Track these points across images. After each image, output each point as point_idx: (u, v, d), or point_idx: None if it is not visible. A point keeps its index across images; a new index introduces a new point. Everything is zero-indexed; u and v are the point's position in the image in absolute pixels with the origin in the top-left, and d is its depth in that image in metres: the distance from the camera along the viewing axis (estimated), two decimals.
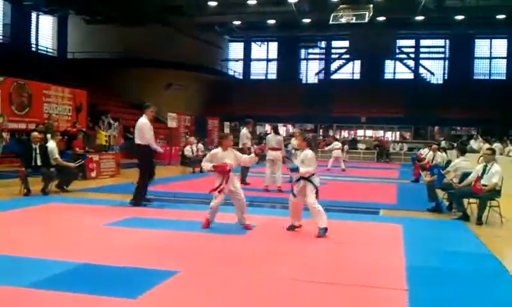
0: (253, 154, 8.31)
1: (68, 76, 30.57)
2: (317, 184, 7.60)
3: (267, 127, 36.94)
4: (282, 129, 38.48)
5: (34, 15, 34.87)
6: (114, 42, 35.92)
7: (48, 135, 13.66)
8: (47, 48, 36.39)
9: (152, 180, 10.78)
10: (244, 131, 14.30)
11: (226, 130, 30.24)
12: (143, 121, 10.05)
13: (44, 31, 36.59)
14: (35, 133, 12.15)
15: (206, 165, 7.94)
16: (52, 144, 12.04)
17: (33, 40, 35.21)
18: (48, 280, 5.06)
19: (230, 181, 7.79)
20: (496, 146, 18.29)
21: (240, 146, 14.22)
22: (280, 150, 13.58)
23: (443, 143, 21.54)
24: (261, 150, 8.44)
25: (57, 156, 11.90)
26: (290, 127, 40.05)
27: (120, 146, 19.51)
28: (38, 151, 11.48)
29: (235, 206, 8.01)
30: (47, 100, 21.55)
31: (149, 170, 10.46)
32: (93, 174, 15.14)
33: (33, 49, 34.95)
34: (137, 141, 10.05)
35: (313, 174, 7.57)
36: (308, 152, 7.65)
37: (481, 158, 10.94)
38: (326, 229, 7.40)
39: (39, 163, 11.43)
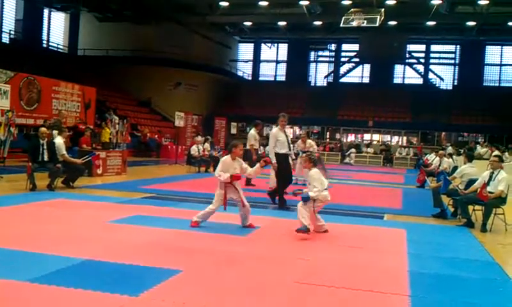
0: (258, 165, 8.26)
1: (77, 73, 30.76)
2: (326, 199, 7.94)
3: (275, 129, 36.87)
4: (289, 131, 38.52)
5: (46, 11, 35.08)
6: (125, 40, 36.09)
7: (55, 131, 13.71)
8: (57, 44, 36.57)
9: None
10: (253, 132, 14.30)
11: (233, 131, 30.35)
12: (272, 131, 11.02)
13: (56, 28, 36.79)
14: (43, 129, 12.20)
15: (223, 175, 7.80)
16: (59, 140, 12.10)
17: (44, 36, 35.41)
18: (52, 275, 5.08)
19: (237, 190, 7.88)
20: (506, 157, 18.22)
21: (247, 147, 14.23)
22: None
23: (449, 149, 21.44)
24: (265, 163, 8.42)
25: (64, 152, 11.97)
26: (297, 129, 40.01)
27: (127, 144, 19.55)
28: (45, 147, 11.54)
29: (239, 212, 8.05)
30: (56, 96, 21.71)
31: (283, 177, 10.76)
32: (99, 171, 15.19)
33: (44, 45, 35.15)
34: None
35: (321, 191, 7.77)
36: (311, 172, 7.87)
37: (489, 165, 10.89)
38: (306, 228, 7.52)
39: (46, 159, 11.49)
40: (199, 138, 21.07)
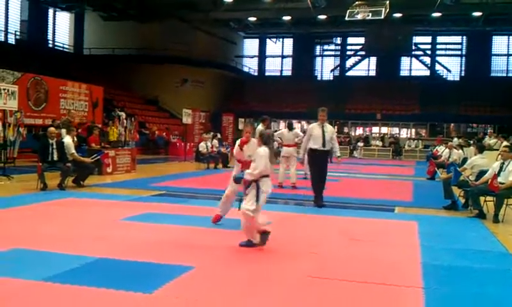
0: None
1: (84, 72, 30.83)
2: (267, 189, 6.44)
3: (282, 124, 36.93)
4: (297, 125, 38.48)
5: (51, 11, 35.17)
6: (130, 38, 36.12)
7: (63, 131, 13.76)
8: (63, 44, 36.67)
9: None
10: (260, 127, 14.28)
11: (241, 127, 30.28)
12: (310, 125, 10.83)
13: (61, 27, 36.88)
14: (52, 129, 12.25)
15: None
16: (68, 140, 12.15)
17: (50, 36, 35.51)
18: (66, 274, 5.10)
19: None
20: None
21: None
22: (295, 146, 13.57)
23: (455, 140, 21.32)
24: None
25: (73, 151, 12.01)
26: (304, 124, 39.94)
27: (136, 142, 19.60)
28: (54, 147, 11.59)
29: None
30: (64, 95, 21.79)
31: (316, 174, 10.53)
32: (109, 169, 15.24)
33: (50, 45, 35.26)
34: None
35: (265, 176, 6.46)
36: (259, 149, 6.55)
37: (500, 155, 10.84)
38: (250, 242, 6.47)
39: (55, 158, 11.54)
40: (205, 135, 20.98)
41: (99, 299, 4.50)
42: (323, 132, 10.28)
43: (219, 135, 25.16)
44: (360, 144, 34.94)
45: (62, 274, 5.08)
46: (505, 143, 14.53)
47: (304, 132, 15.92)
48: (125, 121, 17.57)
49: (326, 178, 10.53)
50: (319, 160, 10.35)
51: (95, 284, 4.78)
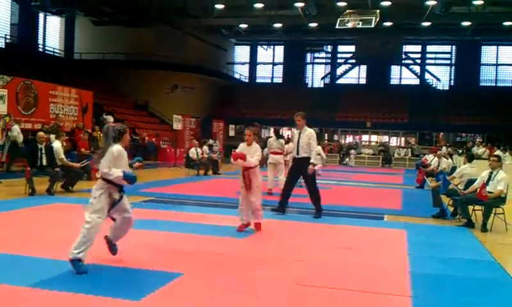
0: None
1: (74, 77, 30.72)
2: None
3: (272, 131, 37.02)
4: (287, 133, 38.51)
5: (41, 15, 34.99)
6: (120, 43, 36.04)
7: (52, 136, 13.70)
8: (53, 48, 36.52)
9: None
10: None
11: (232, 133, 30.36)
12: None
13: (51, 32, 36.73)
14: (41, 134, 12.19)
15: None
16: (57, 145, 12.09)
17: (40, 41, 35.35)
18: (53, 280, 5.07)
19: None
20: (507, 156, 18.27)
21: None
22: (282, 154, 13.58)
23: (443, 149, 21.45)
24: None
25: (62, 156, 11.95)
26: (295, 131, 40.03)
27: (125, 148, 19.51)
28: (43, 151, 11.53)
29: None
30: (53, 100, 21.67)
31: (287, 181, 10.28)
32: (98, 174, 15.11)
33: (40, 49, 35.09)
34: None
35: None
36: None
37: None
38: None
39: (44, 163, 11.48)
40: (195, 141, 20.93)
41: (86, 306, 4.47)
42: (299, 138, 9.89)
43: (210, 141, 25.12)
44: (353, 151, 35.05)
45: (49, 280, 5.05)
46: (497, 152, 14.62)
47: (288, 140, 15.86)
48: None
49: (311, 187, 9.89)
50: (294, 168, 10.03)
51: (82, 290, 4.75)
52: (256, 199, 7.92)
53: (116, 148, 5.57)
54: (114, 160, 5.59)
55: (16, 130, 16.80)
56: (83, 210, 5.71)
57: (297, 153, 9.82)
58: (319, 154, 22.85)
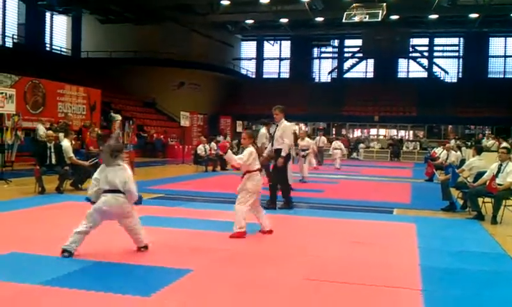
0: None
1: (81, 75, 30.83)
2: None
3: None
4: (295, 128, 38.43)
5: (48, 14, 35.13)
6: (127, 41, 36.11)
7: (61, 134, 13.75)
8: (61, 47, 36.66)
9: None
10: (264, 131, 14.23)
11: (239, 129, 30.34)
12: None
13: (58, 31, 36.86)
14: (49, 132, 12.24)
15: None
16: (66, 143, 12.13)
17: (47, 40, 35.48)
18: (63, 278, 5.09)
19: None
20: None
21: (259, 145, 14.30)
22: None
23: (452, 142, 21.33)
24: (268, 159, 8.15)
25: (71, 155, 11.99)
26: (302, 126, 39.97)
27: (134, 145, 19.60)
28: (52, 150, 11.58)
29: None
30: (61, 99, 21.77)
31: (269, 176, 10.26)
32: None
33: (47, 49, 35.22)
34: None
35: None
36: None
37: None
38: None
39: (54, 162, 11.52)
40: (203, 138, 20.97)
41: (97, 303, 4.49)
42: (275, 130, 10.11)
43: (219, 138, 25.14)
44: (362, 145, 34.98)
45: (60, 278, 5.07)
46: (504, 144, 14.50)
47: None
48: (117, 122, 17.61)
49: (282, 181, 9.97)
50: (273, 162, 10.13)
51: (93, 288, 4.77)
52: (237, 204, 7.35)
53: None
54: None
55: (41, 130, 16.90)
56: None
57: (272, 145, 10.06)
58: (340, 148, 23.18)
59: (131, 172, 6.14)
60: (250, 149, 7.40)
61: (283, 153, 9.75)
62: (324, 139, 24.09)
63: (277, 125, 10.06)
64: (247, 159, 7.28)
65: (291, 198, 10.25)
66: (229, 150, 7.76)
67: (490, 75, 41.75)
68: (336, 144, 24.12)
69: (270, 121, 14.10)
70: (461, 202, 10.47)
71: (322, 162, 22.72)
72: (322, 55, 46.95)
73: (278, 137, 9.87)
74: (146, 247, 6.21)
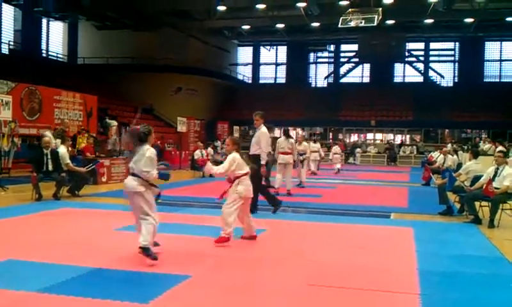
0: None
1: (78, 81, 30.79)
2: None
3: (276, 131, 36.99)
4: (292, 133, 38.52)
5: (44, 21, 35.11)
6: (124, 47, 36.12)
7: (58, 141, 13.73)
8: (57, 54, 36.63)
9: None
10: None
11: (236, 134, 30.33)
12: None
13: (54, 37, 36.86)
14: (46, 139, 12.21)
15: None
16: (62, 150, 12.11)
17: (44, 46, 35.47)
18: (61, 284, 5.07)
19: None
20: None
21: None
22: (291, 154, 13.58)
23: (449, 146, 21.39)
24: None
25: (68, 161, 11.97)
26: (299, 131, 40.04)
27: (131, 151, 19.56)
28: (49, 157, 11.55)
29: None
30: (58, 105, 21.71)
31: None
32: (104, 179, 15.20)
33: (44, 55, 35.20)
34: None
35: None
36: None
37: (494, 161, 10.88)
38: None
39: (50, 168, 11.49)
40: (200, 143, 20.96)
41: None
42: (253, 136, 10.18)
43: (214, 143, 25.15)
44: (359, 150, 35.04)
45: (57, 285, 5.05)
46: (499, 148, 14.57)
47: (295, 140, 15.97)
48: (113, 129, 17.58)
49: (259, 186, 9.37)
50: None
51: (90, 294, 4.75)
52: (226, 208, 7.14)
53: (152, 150, 6.17)
54: (153, 162, 6.09)
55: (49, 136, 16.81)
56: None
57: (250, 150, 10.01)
58: (338, 153, 23.53)
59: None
60: (232, 155, 7.21)
61: (262, 162, 9.69)
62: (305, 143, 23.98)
63: (256, 130, 10.09)
64: (228, 167, 7.12)
65: (275, 198, 10.15)
66: (208, 162, 7.71)
67: (486, 79, 41.90)
68: (336, 149, 24.48)
69: (271, 126, 14.16)
70: (458, 206, 10.48)
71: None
72: (319, 60, 47.08)
73: (254, 143, 9.89)
74: (142, 249, 5.81)
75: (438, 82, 43.19)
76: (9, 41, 32.10)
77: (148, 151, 6.07)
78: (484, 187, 9.10)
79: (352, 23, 28.72)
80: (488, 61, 42.28)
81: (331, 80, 45.80)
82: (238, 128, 32.74)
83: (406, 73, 44.21)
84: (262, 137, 9.82)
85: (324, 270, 5.96)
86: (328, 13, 31.68)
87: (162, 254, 6.43)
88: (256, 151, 9.77)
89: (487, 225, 8.98)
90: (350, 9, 28.68)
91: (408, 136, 39.42)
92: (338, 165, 23.50)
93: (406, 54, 42.70)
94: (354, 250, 7.02)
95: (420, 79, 43.53)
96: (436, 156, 20.00)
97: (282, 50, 46.62)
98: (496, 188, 9.07)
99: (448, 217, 10.05)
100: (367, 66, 44.67)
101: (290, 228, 8.81)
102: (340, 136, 40.49)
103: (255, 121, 10.04)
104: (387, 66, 43.22)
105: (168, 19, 33.47)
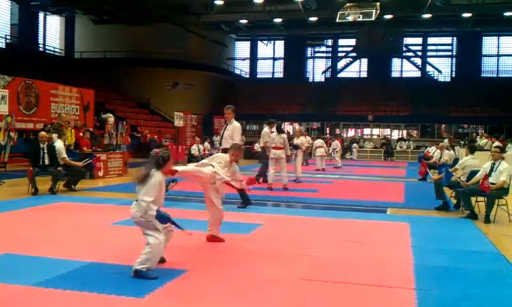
0: (244, 182, 7.70)
1: (75, 76, 30.73)
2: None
3: (288, 126, 37.37)
4: (289, 128, 38.52)
5: (41, 15, 34.95)
6: (121, 41, 36.04)
7: (54, 135, 13.71)
8: (54, 48, 36.51)
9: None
10: (266, 130, 14.27)
11: None
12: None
13: (51, 31, 36.69)
14: (43, 133, 12.20)
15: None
16: (59, 144, 12.10)
17: (40, 40, 35.31)
18: (57, 279, 5.08)
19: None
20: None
21: (261, 145, 14.54)
22: (283, 149, 13.57)
23: (445, 141, 21.40)
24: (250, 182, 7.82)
25: (64, 155, 11.96)
26: (296, 126, 40.04)
27: (128, 145, 19.55)
28: (45, 151, 11.54)
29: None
30: (55, 99, 21.69)
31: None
32: (100, 173, 15.19)
33: (40, 49, 35.08)
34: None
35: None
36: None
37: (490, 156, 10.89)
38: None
39: (47, 162, 11.48)
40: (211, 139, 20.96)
41: (91, 304, 4.48)
42: (224, 130, 10.42)
43: (210, 138, 25.13)
44: (356, 145, 35.05)
45: (53, 279, 5.05)
46: (496, 143, 14.58)
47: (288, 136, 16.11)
48: (110, 124, 17.54)
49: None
50: None
51: (86, 289, 4.76)
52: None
53: (160, 177, 5.36)
54: (156, 191, 5.35)
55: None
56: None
57: (220, 144, 10.30)
58: (335, 148, 23.66)
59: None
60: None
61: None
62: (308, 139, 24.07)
63: (227, 124, 10.34)
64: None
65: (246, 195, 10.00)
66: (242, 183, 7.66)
67: (483, 74, 41.87)
68: (335, 143, 24.52)
69: (273, 121, 14.19)
70: (454, 201, 10.51)
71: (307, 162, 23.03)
72: (316, 55, 46.97)
73: (227, 136, 10.09)
74: (136, 272, 5.24)
75: (435, 77, 43.15)
76: (5, 35, 31.95)
77: (154, 177, 5.31)
78: (480, 182, 9.11)
79: (350, 18, 28.65)
80: (486, 56, 42.26)
81: (328, 75, 45.74)
82: None
83: (403, 68, 44.16)
84: (235, 131, 10.16)
85: (320, 265, 5.97)
86: (325, 7, 31.59)
87: None
88: (227, 145, 9.76)
89: (483, 220, 9.01)
90: (348, 4, 28.60)
91: (404, 131, 39.44)
92: (339, 160, 23.74)
93: (404, 48, 42.69)
94: (350, 245, 7.03)
95: (418, 74, 43.49)
96: (433, 151, 20.01)
97: (280, 45, 46.51)
98: (492, 183, 9.09)
99: (445, 212, 10.07)
100: (364, 61, 44.61)
101: (287, 222, 8.82)
102: (337, 131, 40.48)
103: (227, 114, 10.39)
104: (385, 61, 43.17)
105: (165, 13, 33.34)
